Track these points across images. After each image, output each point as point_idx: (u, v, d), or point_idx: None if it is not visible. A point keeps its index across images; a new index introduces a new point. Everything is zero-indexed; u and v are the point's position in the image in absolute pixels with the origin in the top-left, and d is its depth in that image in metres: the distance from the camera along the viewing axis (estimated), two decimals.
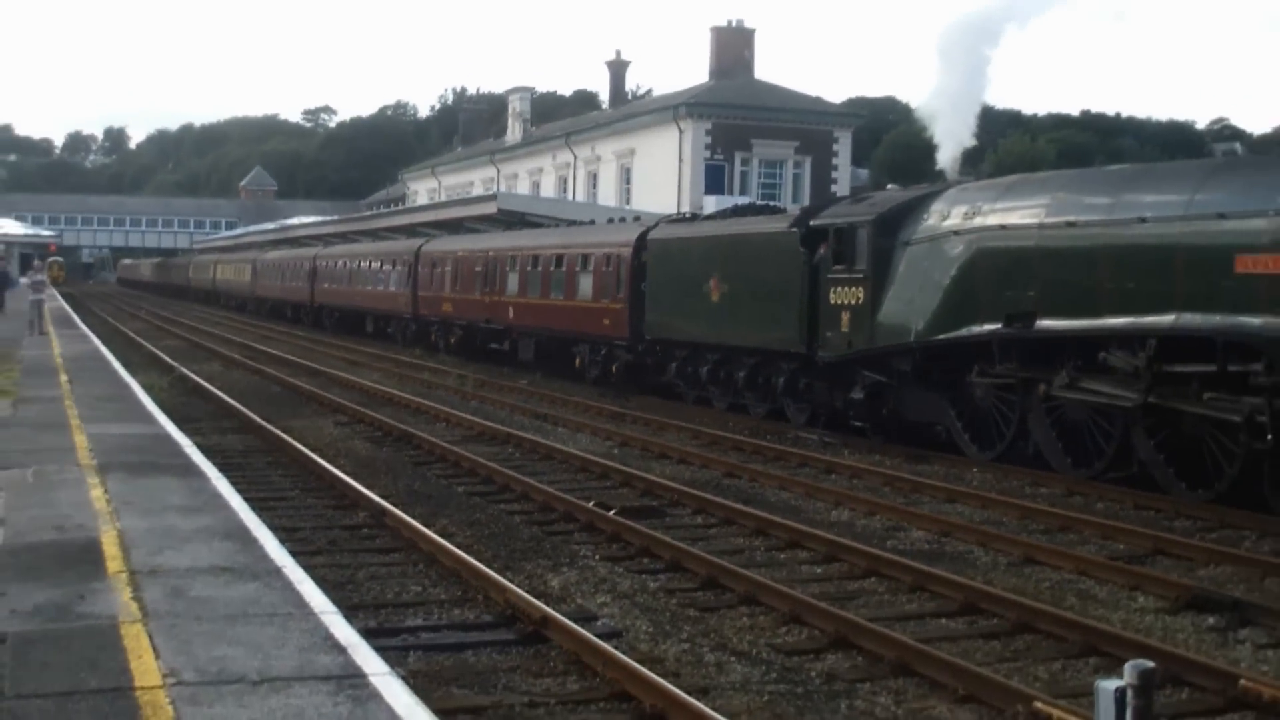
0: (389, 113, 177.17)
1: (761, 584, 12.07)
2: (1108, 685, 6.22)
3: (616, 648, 9.88)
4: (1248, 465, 16.32)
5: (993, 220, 20.06)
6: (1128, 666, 6.19)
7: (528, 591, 11.49)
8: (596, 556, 13.71)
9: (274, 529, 11.93)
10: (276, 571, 9.92)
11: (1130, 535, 15.05)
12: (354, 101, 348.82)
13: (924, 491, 18.14)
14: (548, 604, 11.06)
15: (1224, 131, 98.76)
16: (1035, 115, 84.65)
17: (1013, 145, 66.20)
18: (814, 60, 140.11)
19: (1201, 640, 10.98)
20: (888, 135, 69.28)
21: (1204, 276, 16.52)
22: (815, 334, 23.71)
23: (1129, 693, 6.14)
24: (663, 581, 12.70)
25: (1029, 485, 18.81)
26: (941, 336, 20.81)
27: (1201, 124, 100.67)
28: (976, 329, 20.09)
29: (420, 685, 8.76)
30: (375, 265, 51.92)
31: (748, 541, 14.82)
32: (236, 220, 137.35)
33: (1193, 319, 16.65)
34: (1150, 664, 6.24)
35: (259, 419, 23.43)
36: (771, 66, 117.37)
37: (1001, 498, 17.48)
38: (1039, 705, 8.45)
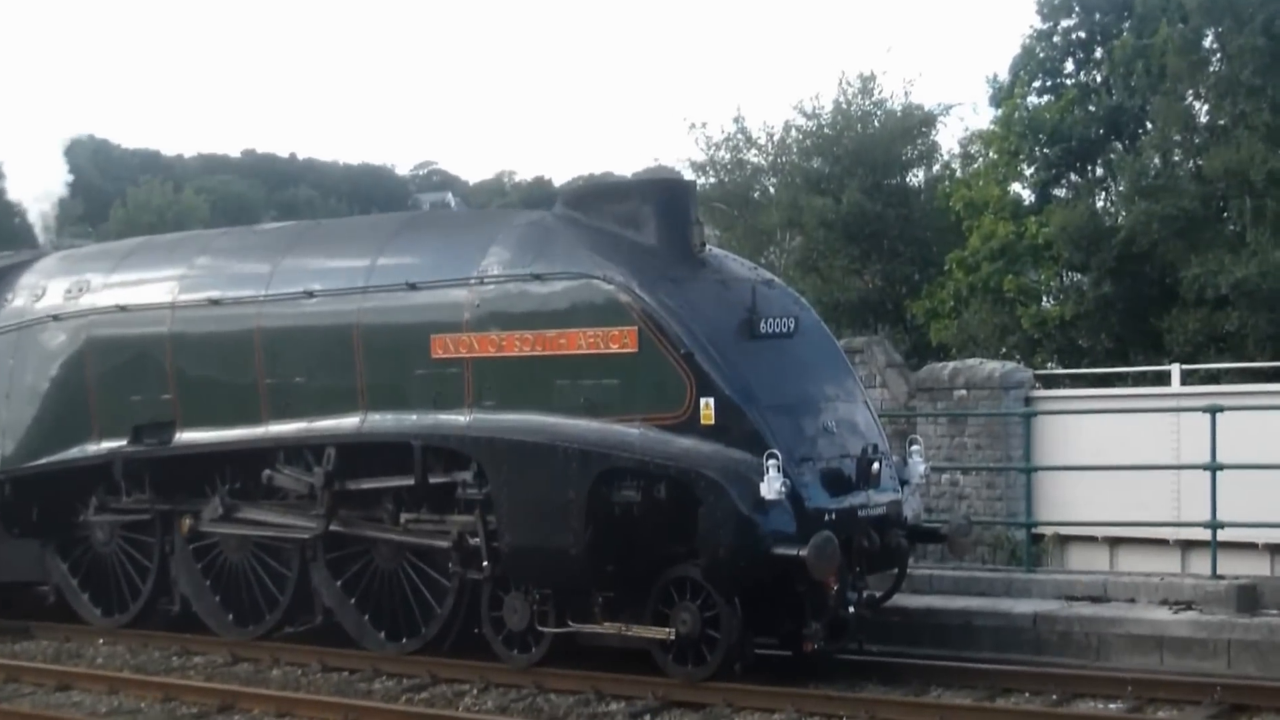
0: None
1: None
2: None
3: None
4: (462, 600, 14.15)
5: (108, 299, 16.70)
6: None
7: None
8: None
9: None
10: None
11: (316, 708, 12.97)
12: None
13: (25, 679, 14.63)
14: None
15: (431, 177, 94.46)
16: (181, 156, 74.08)
17: (148, 196, 57.40)
18: None
19: None
20: None
21: (394, 364, 14.45)
22: None
23: None
24: None
25: (178, 655, 15.64)
26: (41, 461, 16.96)
27: (404, 169, 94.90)
28: (92, 448, 16.50)
29: None
30: None
31: None
32: None
33: (382, 420, 14.52)
34: None
35: None
36: None
37: (139, 676, 14.43)
38: None
